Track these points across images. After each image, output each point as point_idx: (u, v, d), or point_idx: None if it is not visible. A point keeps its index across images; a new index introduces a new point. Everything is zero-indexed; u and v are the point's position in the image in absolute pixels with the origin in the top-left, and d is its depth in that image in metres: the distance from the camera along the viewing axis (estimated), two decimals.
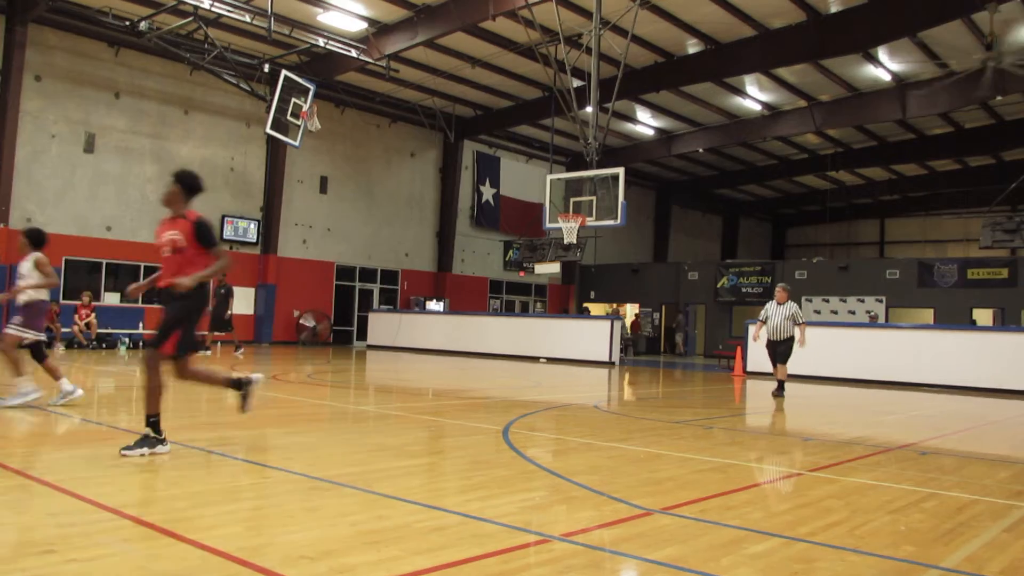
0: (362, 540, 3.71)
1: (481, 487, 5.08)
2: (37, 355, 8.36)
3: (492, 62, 24.47)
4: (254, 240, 25.75)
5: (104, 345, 19.81)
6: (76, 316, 19.60)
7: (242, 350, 18.62)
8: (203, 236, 5.81)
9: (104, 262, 22.49)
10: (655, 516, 4.41)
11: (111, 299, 22.11)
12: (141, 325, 21.71)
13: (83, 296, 19.98)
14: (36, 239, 8.17)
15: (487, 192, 32.93)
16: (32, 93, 21.24)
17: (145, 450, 5.53)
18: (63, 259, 21.55)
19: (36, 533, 3.70)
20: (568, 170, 28.67)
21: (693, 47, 23.14)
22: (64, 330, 19.21)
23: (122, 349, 19.27)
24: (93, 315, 19.79)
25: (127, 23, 20.16)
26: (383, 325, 26.32)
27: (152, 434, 5.62)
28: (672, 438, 7.67)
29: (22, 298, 8.09)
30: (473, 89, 27.23)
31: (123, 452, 5.49)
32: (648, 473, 5.77)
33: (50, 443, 6.23)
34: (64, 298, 20.62)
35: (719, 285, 31.98)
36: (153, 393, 5.69)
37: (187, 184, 5.99)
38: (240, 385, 6.26)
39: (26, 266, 8.08)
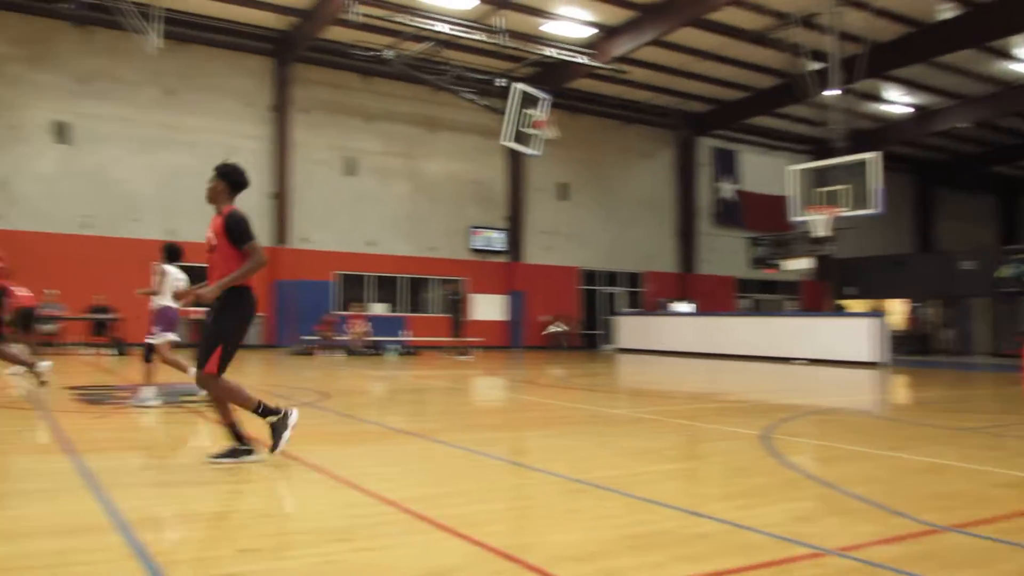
0: (625, 544, 3.70)
1: (743, 494, 4.90)
2: (147, 355, 8.99)
3: (722, 53, 23.79)
4: (500, 249, 26.72)
5: (376, 351, 21.39)
6: (348, 325, 21.34)
7: (470, 355, 19.36)
8: (232, 231, 5.33)
9: (368, 275, 24.40)
10: (946, 534, 4.01)
11: (378, 309, 23.90)
12: (401, 333, 23.23)
13: (355, 307, 21.73)
14: (169, 253, 8.93)
15: (727, 188, 32.01)
16: (300, 126, 23.57)
17: (230, 460, 5.35)
18: (334, 273, 23.71)
19: (332, 522, 4.04)
20: (813, 159, 27.22)
21: (947, 11, 21.04)
22: (340, 339, 21.00)
23: (392, 355, 20.65)
24: (366, 324, 21.42)
25: (374, 53, 21.77)
26: (630, 328, 26.30)
27: (238, 445, 5.43)
28: (957, 447, 6.97)
29: (152, 306, 8.86)
30: (704, 83, 26.64)
31: (210, 459, 5.34)
32: (932, 486, 5.27)
33: (334, 440, 6.79)
34: (339, 309, 22.67)
35: (1000, 275, 28.68)
36: (222, 404, 5.43)
37: (230, 179, 5.61)
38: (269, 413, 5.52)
39: (156, 278, 8.79)
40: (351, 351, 20.85)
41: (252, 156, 22.94)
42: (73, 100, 21.09)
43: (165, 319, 9.03)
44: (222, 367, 5.30)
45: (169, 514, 4.16)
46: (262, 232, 22.99)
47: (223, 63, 22.87)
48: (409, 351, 20.22)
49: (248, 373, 14.94)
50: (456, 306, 19.24)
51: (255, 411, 5.43)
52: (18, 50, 20.58)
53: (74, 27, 20.39)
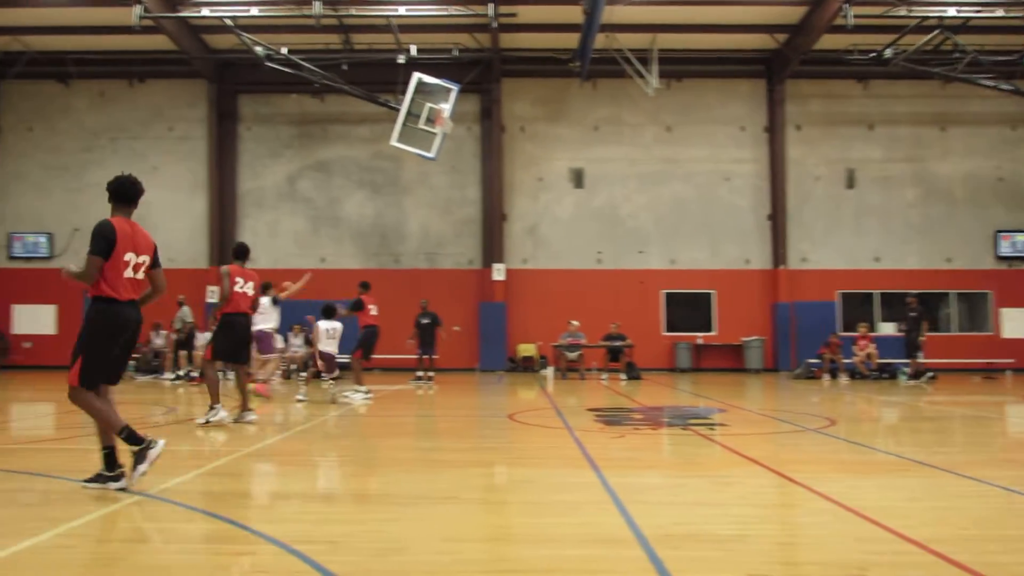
0: None
1: None
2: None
3: None
4: None
5: (885, 375, 19.87)
6: (855, 347, 20.16)
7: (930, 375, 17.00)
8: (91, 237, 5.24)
9: (875, 293, 22.83)
10: None
11: (886, 329, 22.18)
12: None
13: (860, 327, 20.46)
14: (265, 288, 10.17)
15: None
16: (795, 142, 23.10)
17: (96, 485, 5.17)
18: (836, 292, 22.67)
19: (845, 555, 3.79)
20: None
21: None
22: (846, 361, 19.94)
23: (902, 379, 19.04)
24: (872, 345, 20.06)
25: (872, 55, 20.41)
26: None
27: (104, 470, 5.22)
28: None
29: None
30: None
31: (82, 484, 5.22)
32: None
33: (844, 469, 6.40)
34: (843, 330, 21.61)
35: None
36: (104, 420, 5.23)
37: (110, 190, 5.53)
38: (135, 441, 5.20)
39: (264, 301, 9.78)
40: (857, 374, 19.64)
41: (747, 180, 23.16)
42: (585, 147, 23.49)
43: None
44: (87, 381, 5.18)
45: (685, 532, 4.27)
46: (762, 255, 22.98)
47: (716, 92, 23.52)
48: (929, 375, 18.30)
49: (748, 397, 14.93)
50: (917, 323, 17.22)
51: (119, 434, 5.22)
52: (540, 110, 23.63)
53: (583, 83, 22.73)
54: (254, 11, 18.45)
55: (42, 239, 23.39)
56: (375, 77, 21.31)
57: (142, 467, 5.20)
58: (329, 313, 12.62)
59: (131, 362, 17.75)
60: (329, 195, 23.49)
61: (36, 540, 3.99)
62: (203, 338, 18.01)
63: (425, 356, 17.47)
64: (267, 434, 8.70)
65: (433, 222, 23.45)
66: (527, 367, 22.60)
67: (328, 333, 13.22)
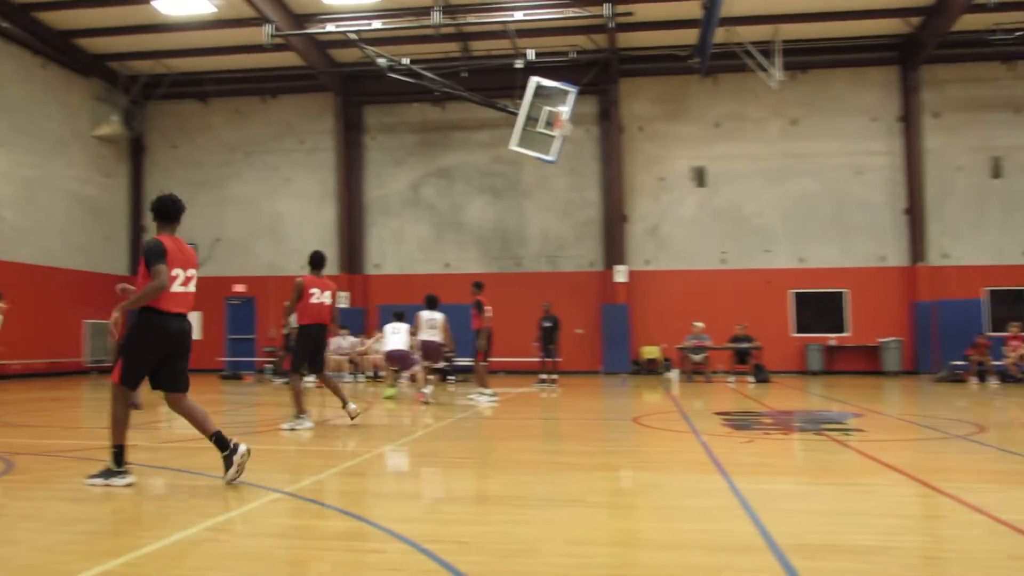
0: None
1: None
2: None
3: None
4: None
5: None
6: (1006, 348, 18.91)
7: None
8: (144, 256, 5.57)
9: None
10: None
11: None
12: None
13: (1012, 327, 19.16)
14: (398, 316, 9.66)
15: None
16: (933, 131, 21.91)
17: (100, 480, 5.52)
18: (983, 290, 21.37)
19: (994, 571, 3.55)
20: None
21: None
22: (995, 363, 18.72)
23: None
24: None
25: (1017, 33, 19.16)
26: None
27: (112, 465, 5.56)
28: None
29: None
30: None
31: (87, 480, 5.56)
32: None
33: (995, 479, 5.99)
34: (991, 330, 20.32)
35: None
36: (118, 424, 5.60)
37: (153, 209, 5.78)
38: (224, 446, 5.63)
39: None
40: (1008, 377, 18.40)
41: (880, 172, 22.10)
42: (707, 145, 23.00)
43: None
44: (127, 381, 5.57)
45: (821, 542, 4.10)
46: (899, 251, 21.91)
47: (844, 82, 22.57)
48: None
49: (887, 401, 14.28)
50: None
51: (114, 448, 5.55)
52: (659, 109, 23.31)
53: (702, 79, 22.26)
54: (376, 24, 18.97)
55: None
56: (493, 83, 21.55)
57: (101, 480, 5.56)
58: (432, 303, 12.74)
59: (268, 365, 18.55)
60: (451, 201, 23.91)
61: (186, 533, 4.22)
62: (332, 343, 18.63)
63: (548, 359, 17.51)
64: (396, 436, 8.92)
65: (553, 225, 23.50)
66: (651, 370, 22.32)
67: (393, 329, 13.56)
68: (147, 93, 24.64)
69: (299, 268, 23.99)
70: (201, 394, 14.49)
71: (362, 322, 22.64)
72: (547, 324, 17.48)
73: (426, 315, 12.50)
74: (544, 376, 17.62)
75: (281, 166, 24.62)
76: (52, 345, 21.28)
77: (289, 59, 22.57)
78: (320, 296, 9.22)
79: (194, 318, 23.81)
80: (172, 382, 5.74)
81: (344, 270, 23.55)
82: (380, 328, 18.00)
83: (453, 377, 19.40)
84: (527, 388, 16.97)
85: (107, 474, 5.55)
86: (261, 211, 24.58)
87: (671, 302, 22.39)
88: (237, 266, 24.53)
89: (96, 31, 21.51)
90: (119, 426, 5.58)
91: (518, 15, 18.70)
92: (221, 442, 5.65)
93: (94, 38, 21.94)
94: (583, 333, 22.49)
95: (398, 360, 13.33)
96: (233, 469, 5.59)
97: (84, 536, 4.31)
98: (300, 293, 9.15)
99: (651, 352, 22.53)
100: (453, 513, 4.99)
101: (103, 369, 22.18)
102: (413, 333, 12.64)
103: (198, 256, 24.16)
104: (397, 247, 24.07)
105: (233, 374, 21.06)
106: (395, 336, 14.24)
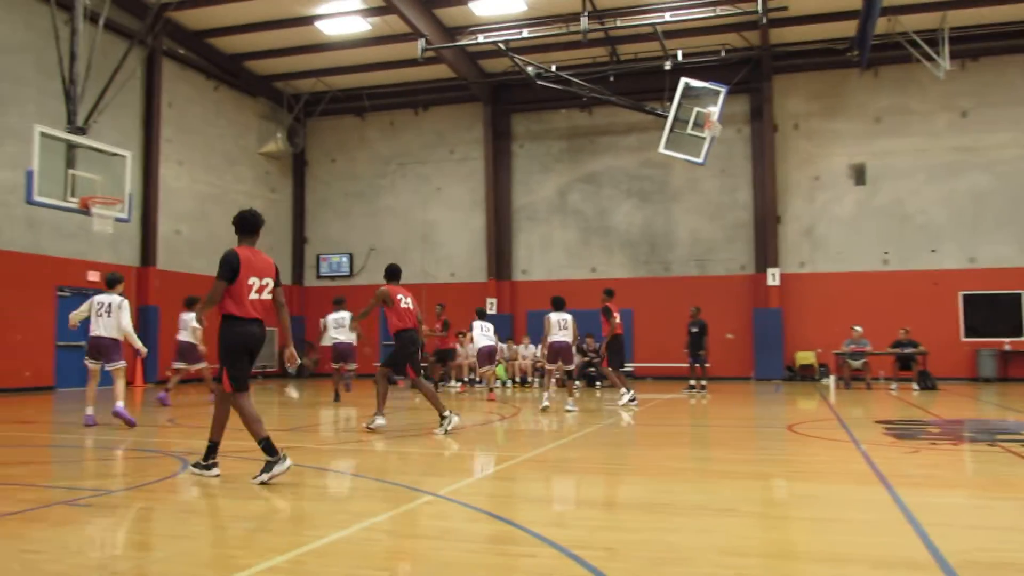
0: None
1: None
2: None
3: None
4: None
5: None
6: None
7: None
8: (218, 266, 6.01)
9: None
10: None
11: None
12: None
13: None
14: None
15: None
16: None
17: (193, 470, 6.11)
18: None
19: None
20: None
21: None
22: None
23: None
24: None
25: None
26: None
27: (202, 459, 6.17)
28: None
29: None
30: None
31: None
32: None
33: None
34: None
35: None
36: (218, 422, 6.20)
37: (235, 223, 6.25)
38: (272, 452, 5.90)
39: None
40: None
41: None
42: (867, 141, 21.91)
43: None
44: (236, 386, 6.03)
45: (995, 560, 3.84)
46: None
47: (1019, 69, 20.93)
48: None
49: None
50: None
51: (259, 442, 5.94)
52: (815, 105, 22.41)
53: (862, 72, 21.23)
54: (525, 33, 19.23)
55: (344, 259, 26.00)
56: (641, 86, 21.40)
57: (263, 476, 5.80)
58: (559, 305, 12.72)
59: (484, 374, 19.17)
60: (598, 206, 23.89)
61: (344, 532, 4.44)
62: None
63: (697, 365, 17.18)
64: (543, 441, 9.01)
65: (703, 228, 23.03)
66: (806, 376, 21.47)
67: (482, 329, 13.78)
68: (308, 110, 26.01)
69: (450, 276, 24.73)
70: (358, 398, 15.15)
71: (510, 328, 22.97)
72: (695, 329, 17.15)
73: (556, 316, 12.51)
74: (692, 382, 17.30)
75: (433, 176, 25.37)
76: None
77: (440, 71, 23.26)
78: (406, 301, 9.48)
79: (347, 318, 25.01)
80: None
81: (492, 276, 23.99)
82: (467, 330, 18.72)
83: (599, 383, 19.38)
84: (675, 394, 16.72)
85: (268, 466, 5.85)
86: (414, 220, 25.41)
87: (827, 306, 21.47)
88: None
89: (263, 53, 22.91)
90: (254, 423, 6.01)
91: (667, 16, 18.48)
92: (269, 448, 5.89)
93: (261, 60, 23.39)
94: (733, 338, 21.92)
95: (487, 357, 13.47)
96: (267, 475, 5.79)
97: (251, 533, 4.61)
98: (387, 300, 9.40)
99: (806, 358, 21.68)
100: (601, 519, 5.00)
101: (267, 374, 23.55)
102: (543, 337, 12.69)
103: (353, 265, 25.12)
104: (544, 253, 24.29)
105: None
106: (483, 335, 15.28)
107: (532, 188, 24.58)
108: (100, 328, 10.12)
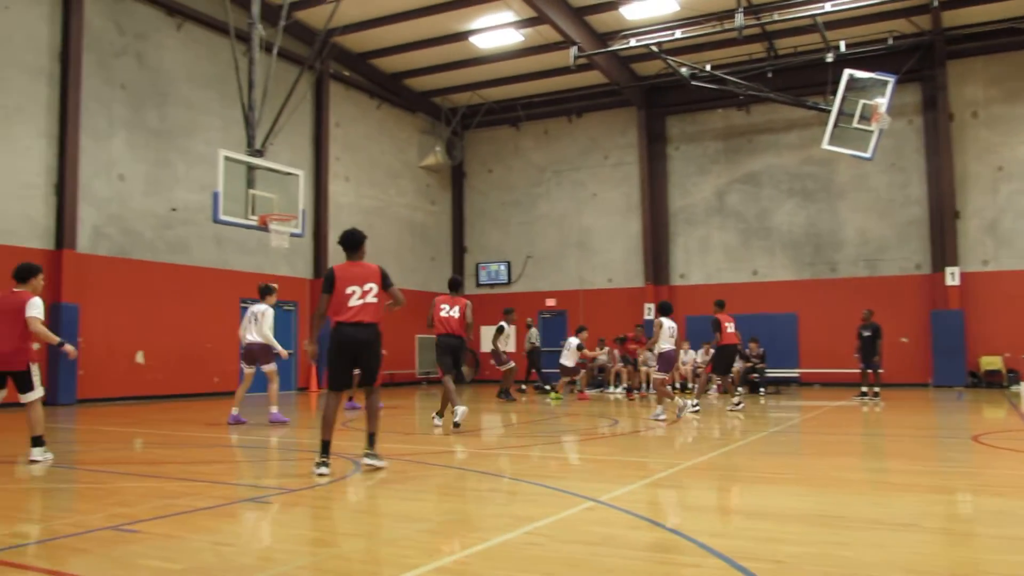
0: None
1: None
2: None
3: None
4: None
5: None
6: None
7: None
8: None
9: None
10: None
11: None
12: None
13: None
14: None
15: None
16: None
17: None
18: None
19: None
20: None
21: None
22: None
23: None
24: None
25: None
26: None
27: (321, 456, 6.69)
28: None
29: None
30: None
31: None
32: None
33: None
34: None
35: None
36: (326, 423, 6.76)
37: (339, 242, 7.12)
38: (371, 444, 6.93)
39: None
40: None
41: None
42: None
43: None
44: (331, 385, 6.82)
45: None
46: None
47: None
48: None
49: None
50: None
51: (324, 439, 6.72)
52: (996, 91, 20.73)
53: None
54: (678, 34, 18.94)
55: (502, 267, 26.48)
56: (802, 81, 20.63)
57: (317, 471, 6.57)
58: (666, 310, 12.43)
59: (576, 378, 19.23)
60: (758, 206, 23.17)
61: (508, 536, 4.53)
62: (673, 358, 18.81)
63: (869, 371, 16.30)
64: (707, 449, 8.83)
65: (872, 226, 21.85)
66: (992, 382, 19.91)
67: (567, 345, 14.32)
68: (465, 123, 26.70)
69: (607, 282, 24.69)
70: (521, 404, 15.37)
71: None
72: (867, 333, 16.26)
73: (668, 323, 12.24)
74: (865, 389, 16.41)
75: (587, 182, 25.43)
76: (389, 358, 23.63)
77: (593, 78, 23.31)
78: (449, 311, 10.50)
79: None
80: (366, 377, 7.02)
81: (650, 281, 23.74)
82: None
83: (764, 389, 18.80)
84: (846, 402, 15.94)
85: (317, 465, 6.61)
86: (569, 227, 25.54)
87: (1017, 306, 19.84)
88: (548, 281, 25.69)
89: (421, 70, 23.74)
90: (326, 425, 6.71)
91: (827, 6, 17.69)
92: (323, 451, 6.68)
93: (420, 77, 24.23)
94: (908, 342, 20.65)
95: (670, 363, 13.19)
96: (319, 468, 6.56)
97: (420, 533, 4.78)
98: (432, 308, 10.64)
99: (992, 363, 20.10)
100: (768, 530, 4.84)
101: (432, 380, 24.28)
102: (651, 344, 12.44)
103: (511, 273, 25.58)
104: (703, 256, 23.80)
105: (547, 385, 21.96)
106: (567, 352, 17.12)
107: (689, 191, 24.15)
108: (251, 335, 11.36)
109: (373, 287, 6.85)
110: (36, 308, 7.46)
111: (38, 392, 7.57)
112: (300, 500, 5.81)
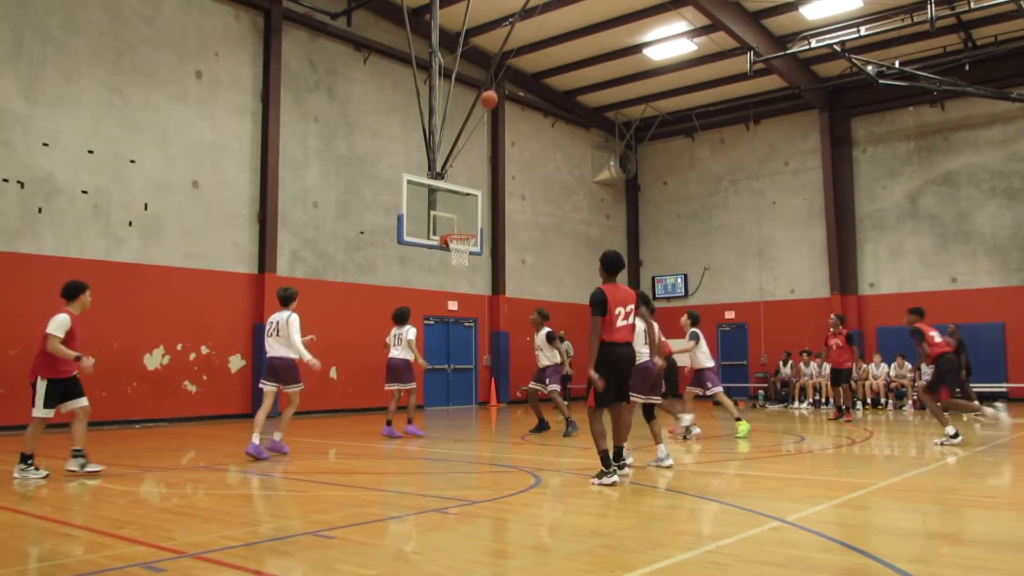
0: None
1: None
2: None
3: None
4: None
5: None
6: None
7: None
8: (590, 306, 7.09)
9: None
10: None
11: None
12: None
13: None
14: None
15: None
16: None
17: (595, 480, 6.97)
18: None
19: None
20: None
21: None
22: None
23: None
24: None
25: None
26: None
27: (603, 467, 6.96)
28: None
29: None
30: None
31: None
32: None
33: None
34: None
35: None
36: (598, 436, 7.08)
37: (601, 263, 7.30)
38: (619, 457, 7.38)
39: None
40: None
41: None
42: None
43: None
44: (596, 402, 7.08)
45: None
46: None
47: None
48: None
49: None
50: None
51: (600, 453, 6.99)
52: None
53: None
54: (862, 31, 18.02)
55: (679, 280, 26.09)
56: (1005, 71, 19.14)
57: (593, 479, 6.97)
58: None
59: (760, 391, 18.63)
60: (956, 208, 21.55)
61: (691, 554, 4.47)
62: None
63: None
64: (903, 468, 8.32)
65: None
66: None
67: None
68: (639, 136, 26.59)
69: (789, 292, 23.76)
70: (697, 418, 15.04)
71: (859, 346, 21.45)
72: None
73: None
74: None
75: (766, 190, 24.62)
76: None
77: (770, 82, 22.60)
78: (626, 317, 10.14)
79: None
80: (620, 396, 7.26)
81: (836, 291, 22.63)
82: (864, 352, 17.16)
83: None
84: None
85: (600, 475, 6.94)
86: (748, 237, 24.81)
87: None
88: (727, 293, 25.04)
89: (594, 86, 23.91)
90: (599, 437, 7.04)
91: None
92: (617, 454, 7.26)
93: (593, 93, 24.40)
94: None
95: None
96: (595, 480, 6.92)
97: (600, 548, 4.79)
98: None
99: None
100: (976, 558, 4.48)
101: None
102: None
103: (687, 285, 25.24)
104: (894, 264, 22.41)
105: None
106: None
107: (877, 195, 22.84)
108: (273, 348, 9.47)
109: (631, 308, 7.19)
110: (55, 325, 7.43)
111: (36, 411, 7.51)
112: (483, 511, 5.99)
